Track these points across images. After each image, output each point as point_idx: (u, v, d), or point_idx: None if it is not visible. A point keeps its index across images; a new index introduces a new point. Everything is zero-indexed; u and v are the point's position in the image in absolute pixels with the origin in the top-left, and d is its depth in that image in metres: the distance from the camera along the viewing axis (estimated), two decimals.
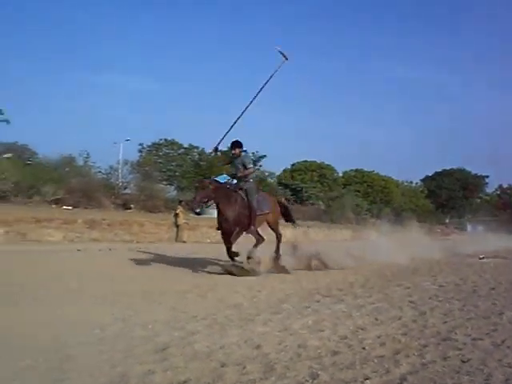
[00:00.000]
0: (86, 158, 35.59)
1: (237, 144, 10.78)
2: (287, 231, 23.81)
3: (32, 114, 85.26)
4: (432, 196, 79.70)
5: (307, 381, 3.76)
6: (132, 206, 32.75)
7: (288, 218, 12.54)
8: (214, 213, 10.78)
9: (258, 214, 10.68)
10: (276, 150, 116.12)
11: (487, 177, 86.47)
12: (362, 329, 5.56)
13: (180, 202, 22.96)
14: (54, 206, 27.60)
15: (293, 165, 65.16)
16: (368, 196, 65.00)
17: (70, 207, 27.72)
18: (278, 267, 11.18)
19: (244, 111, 11.39)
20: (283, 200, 15.68)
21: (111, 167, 37.33)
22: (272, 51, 11.88)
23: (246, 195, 10.59)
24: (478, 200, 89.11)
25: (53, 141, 72.27)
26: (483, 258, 17.85)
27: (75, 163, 35.02)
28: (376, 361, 4.31)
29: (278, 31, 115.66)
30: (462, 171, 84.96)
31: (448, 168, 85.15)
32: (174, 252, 14.44)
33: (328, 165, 65.14)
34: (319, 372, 3.94)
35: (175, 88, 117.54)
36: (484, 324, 6.04)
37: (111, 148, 48.85)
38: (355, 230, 37.59)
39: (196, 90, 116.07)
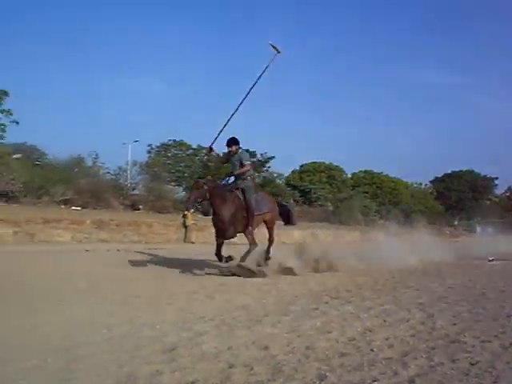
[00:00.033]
0: (95, 158, 35.68)
1: (233, 141, 10.52)
2: (295, 232, 23.88)
3: (41, 115, 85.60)
4: (441, 198, 79.41)
5: (315, 382, 3.75)
6: (140, 206, 32.81)
7: (288, 220, 12.13)
8: None
9: (256, 214, 10.51)
10: (285, 151, 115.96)
11: (496, 178, 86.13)
12: (370, 330, 5.54)
13: None
14: (62, 206, 27.69)
15: (301, 166, 65.06)
16: (377, 197, 64.81)
17: (78, 208, 27.81)
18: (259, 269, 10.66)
19: (238, 108, 11.12)
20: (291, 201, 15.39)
21: (120, 168, 37.43)
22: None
23: (243, 194, 10.40)
24: (488, 202, 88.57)
25: (62, 142, 72.59)
26: (492, 260, 17.74)
27: (84, 164, 35.11)
28: (384, 363, 4.29)
29: (292, 30, 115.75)
30: (471, 173, 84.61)
31: (457, 170, 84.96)
32: (182, 253, 14.46)
33: (337, 166, 65.00)
34: (327, 373, 3.93)
35: (184, 89, 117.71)
36: (493, 326, 6.00)
37: (120, 149, 49.04)
38: (364, 232, 37.47)
39: (204, 90, 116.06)
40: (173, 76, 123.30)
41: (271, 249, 11.28)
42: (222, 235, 10.28)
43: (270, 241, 11.33)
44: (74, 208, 27.46)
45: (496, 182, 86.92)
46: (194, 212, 10.30)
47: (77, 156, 34.53)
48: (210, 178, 11.44)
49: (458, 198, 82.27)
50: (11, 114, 33.37)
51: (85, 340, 4.70)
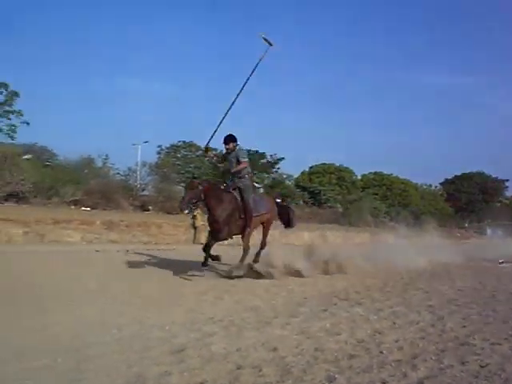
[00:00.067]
0: (105, 159, 35.82)
1: (230, 138, 10.20)
2: (305, 234, 23.86)
3: (52, 116, 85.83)
4: (451, 200, 79.03)
5: None
6: (150, 207, 32.85)
7: (288, 223, 11.71)
8: None
9: (254, 215, 10.15)
10: (294, 153, 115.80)
11: (507, 180, 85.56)
12: (379, 332, 5.54)
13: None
14: (72, 207, 27.77)
15: (311, 167, 64.90)
16: (386, 199, 64.52)
17: (88, 208, 27.89)
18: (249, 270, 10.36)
19: (232, 104, 10.77)
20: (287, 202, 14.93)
21: (130, 169, 37.47)
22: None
23: (241, 194, 10.06)
24: (498, 204, 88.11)
25: (72, 142, 72.79)
26: (503, 262, 17.68)
27: (94, 165, 35.23)
28: (393, 365, 4.29)
29: (305, 33, 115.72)
30: (481, 175, 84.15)
31: (467, 171, 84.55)
32: (191, 254, 14.45)
33: (346, 167, 64.79)
34: (336, 375, 3.93)
35: (194, 91, 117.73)
36: (503, 329, 5.99)
37: (130, 150, 49.13)
38: (373, 234, 37.36)
39: (212, 92, 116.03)
40: (184, 77, 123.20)
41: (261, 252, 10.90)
42: (215, 236, 9.92)
43: (262, 245, 10.95)
44: (83, 209, 27.53)
45: (506, 184, 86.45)
46: (200, 213, 10.07)
47: (87, 157, 34.68)
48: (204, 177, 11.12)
49: (468, 199, 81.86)
50: (22, 115, 33.67)
51: (95, 340, 4.73)
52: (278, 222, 11.74)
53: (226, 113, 10.71)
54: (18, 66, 77.49)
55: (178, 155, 49.41)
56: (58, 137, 77.66)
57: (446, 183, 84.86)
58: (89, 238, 18.04)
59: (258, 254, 10.76)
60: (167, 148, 49.66)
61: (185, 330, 5.33)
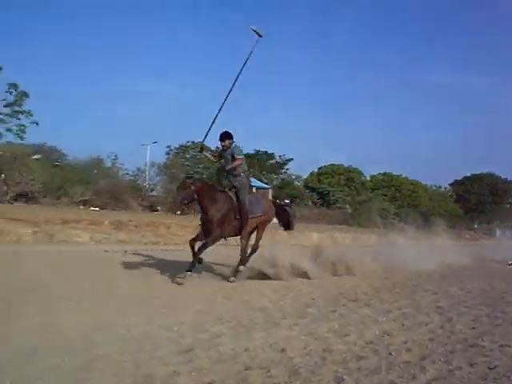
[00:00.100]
0: (114, 159, 36.04)
1: (226, 135, 10.01)
2: (314, 235, 23.82)
3: (61, 116, 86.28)
4: (460, 201, 78.76)
5: None
6: (159, 207, 32.95)
7: (288, 225, 11.36)
8: None
9: (249, 216, 9.86)
10: (303, 153, 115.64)
11: None
12: (388, 334, 5.52)
13: None
14: (81, 207, 27.94)
15: (320, 168, 64.87)
16: (396, 200, 64.39)
17: (97, 208, 28.03)
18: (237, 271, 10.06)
19: (225, 100, 10.61)
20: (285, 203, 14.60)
21: (138, 169, 37.74)
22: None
23: (237, 194, 9.81)
24: (508, 205, 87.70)
25: (81, 142, 73.14)
26: None
27: (103, 165, 35.45)
28: (402, 366, 4.28)
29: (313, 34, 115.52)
30: (491, 176, 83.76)
31: (477, 172, 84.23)
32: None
33: (355, 168, 64.79)
34: (344, 377, 3.93)
35: (201, 91, 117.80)
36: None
37: (139, 150, 49.31)
38: (382, 235, 37.23)
39: (221, 92, 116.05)
40: (191, 79, 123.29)
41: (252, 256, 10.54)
42: (206, 236, 9.59)
43: (254, 248, 10.51)
44: (92, 209, 27.68)
45: None
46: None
47: (96, 157, 34.92)
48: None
49: (477, 201, 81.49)
50: (31, 115, 33.79)
51: (103, 340, 4.74)
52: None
53: (220, 110, 10.54)
54: (27, 66, 78.01)
55: (187, 156, 49.40)
56: (67, 137, 78.05)
57: (456, 184, 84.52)
58: (97, 238, 18.07)
59: (248, 256, 10.41)
60: (176, 148, 49.68)
61: (193, 330, 5.34)
